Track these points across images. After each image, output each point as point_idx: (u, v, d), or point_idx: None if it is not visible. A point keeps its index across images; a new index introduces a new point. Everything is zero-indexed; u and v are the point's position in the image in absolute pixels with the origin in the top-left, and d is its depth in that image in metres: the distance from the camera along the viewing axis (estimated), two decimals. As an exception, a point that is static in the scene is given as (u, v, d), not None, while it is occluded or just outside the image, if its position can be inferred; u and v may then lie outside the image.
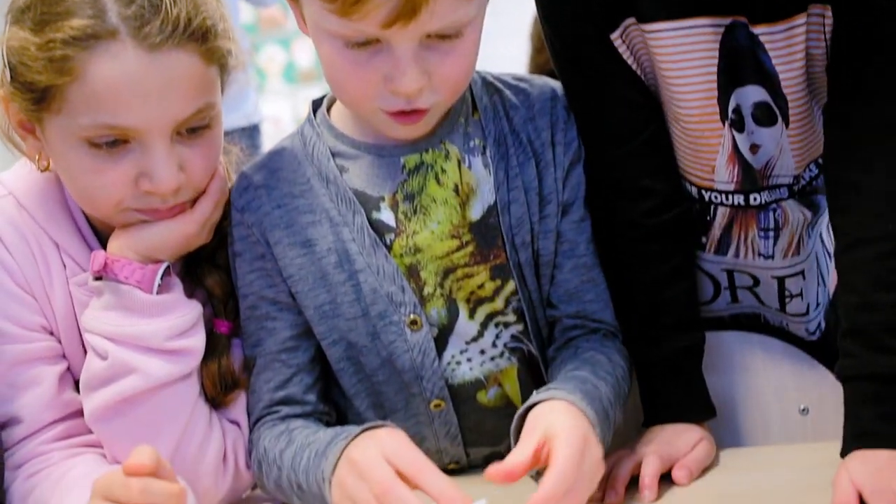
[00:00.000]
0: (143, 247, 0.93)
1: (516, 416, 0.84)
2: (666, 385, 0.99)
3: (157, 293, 0.92)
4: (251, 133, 2.37)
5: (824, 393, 1.07)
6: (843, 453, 0.82)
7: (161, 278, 0.93)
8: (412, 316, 0.96)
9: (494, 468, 0.76)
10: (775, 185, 0.99)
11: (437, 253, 0.97)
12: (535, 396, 0.83)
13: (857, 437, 0.82)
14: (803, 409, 1.08)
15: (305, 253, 0.97)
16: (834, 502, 0.76)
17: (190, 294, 0.97)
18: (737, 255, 1.04)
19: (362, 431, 0.82)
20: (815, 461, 0.92)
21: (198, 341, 0.94)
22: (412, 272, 0.97)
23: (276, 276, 0.98)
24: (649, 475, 0.89)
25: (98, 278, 0.93)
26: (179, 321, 0.92)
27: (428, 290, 0.97)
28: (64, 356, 0.97)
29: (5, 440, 0.92)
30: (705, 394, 1.00)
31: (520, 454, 0.78)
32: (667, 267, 1.01)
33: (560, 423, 0.80)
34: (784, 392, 1.08)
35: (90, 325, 0.92)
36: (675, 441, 0.94)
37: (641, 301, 1.01)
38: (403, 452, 0.76)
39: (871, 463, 0.78)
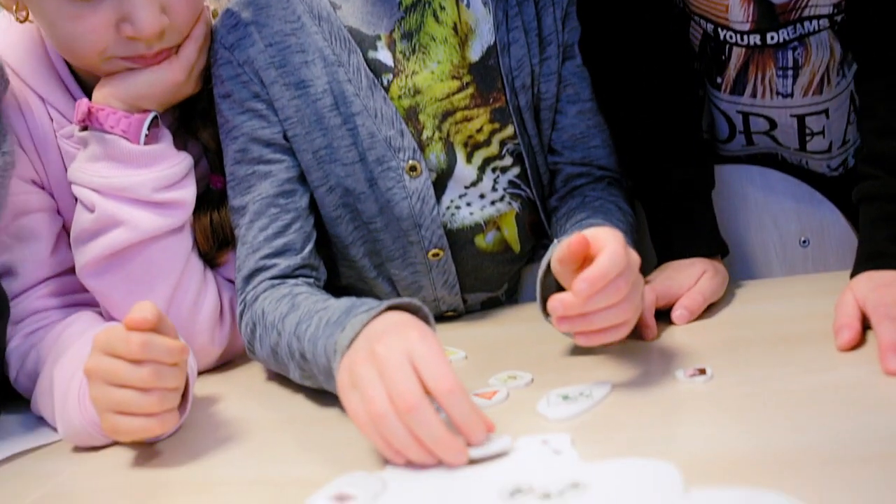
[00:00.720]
0: (128, 94, 0.90)
1: (541, 269, 0.81)
2: (671, 220, 0.99)
3: (145, 144, 0.90)
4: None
5: (825, 224, 1.07)
6: (853, 275, 0.82)
7: (149, 129, 0.90)
8: (411, 162, 0.94)
9: (557, 297, 0.71)
10: (812, 15, 0.95)
11: (437, 94, 0.94)
12: (556, 243, 0.80)
13: (868, 258, 0.82)
14: (804, 241, 1.08)
15: (300, 95, 0.94)
16: (835, 323, 0.76)
17: (184, 149, 0.95)
18: (753, 94, 1.02)
19: (387, 308, 0.72)
20: (815, 290, 0.93)
21: (187, 194, 0.93)
22: (410, 115, 0.94)
23: (271, 117, 0.94)
24: (644, 311, 0.85)
25: (84, 129, 0.91)
26: (168, 172, 0.91)
27: (427, 133, 0.95)
28: (59, 213, 0.97)
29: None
30: (713, 229, 0.99)
31: (563, 247, 0.74)
32: (670, 102, 0.99)
33: (600, 228, 0.76)
34: (784, 224, 1.08)
35: (77, 177, 0.91)
36: (677, 276, 0.93)
37: (645, 136, 1.00)
38: (434, 363, 0.65)
39: (877, 279, 0.78)
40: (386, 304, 0.73)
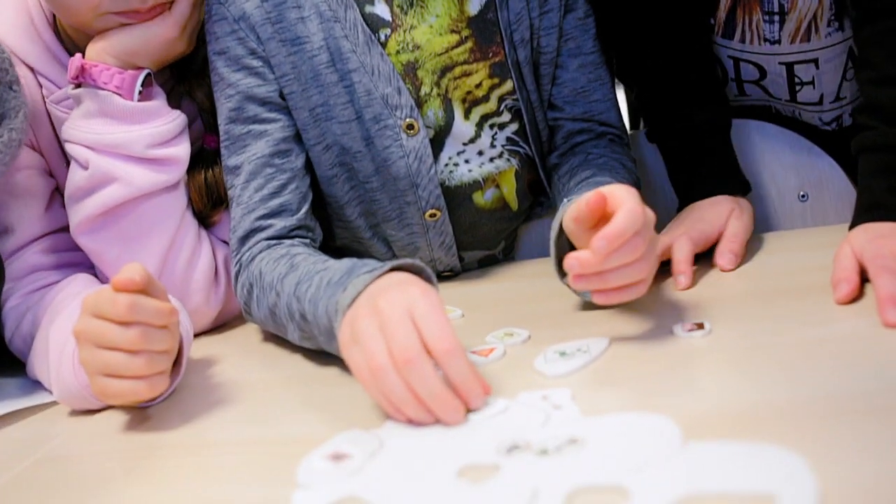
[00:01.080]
0: (121, 50, 0.89)
1: (554, 229, 0.80)
2: (694, 160, 0.98)
3: (139, 101, 0.89)
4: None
5: (824, 178, 1.06)
6: (851, 227, 0.81)
7: (142, 86, 0.90)
8: (408, 120, 0.92)
9: (574, 255, 0.70)
10: None
11: (435, 49, 0.92)
12: (566, 202, 0.79)
13: (866, 209, 0.81)
14: (802, 196, 1.07)
15: (296, 51, 0.92)
16: (833, 277, 0.76)
17: (179, 109, 0.94)
18: (742, 40, 1.00)
19: (391, 270, 0.72)
20: (814, 244, 0.92)
21: (181, 151, 0.92)
22: (409, 71, 0.92)
23: (267, 74, 0.93)
24: (681, 260, 0.86)
25: (77, 86, 0.90)
26: (162, 129, 0.90)
27: (425, 90, 0.93)
28: (52, 175, 0.96)
29: None
30: (736, 166, 0.98)
31: (580, 205, 0.73)
32: (685, 45, 0.99)
33: (615, 185, 0.75)
34: (782, 178, 1.07)
35: (70, 134, 0.90)
36: (706, 217, 0.92)
37: (664, 78, 0.99)
38: (434, 322, 0.64)
39: (875, 231, 0.77)
40: (389, 264, 0.72)
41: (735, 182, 0.97)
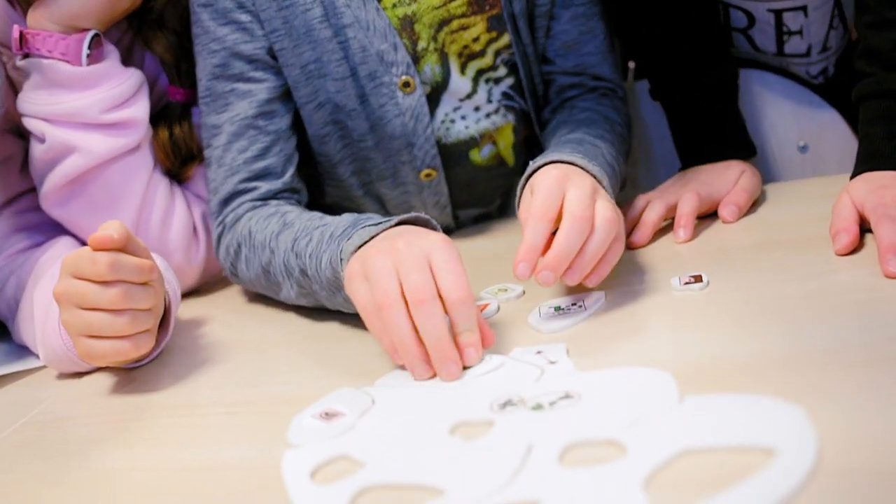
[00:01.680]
0: (61, 15, 0.85)
1: (519, 189, 0.77)
2: (701, 122, 0.95)
3: (89, 64, 0.86)
4: None
5: (824, 129, 1.04)
6: (852, 177, 0.79)
7: (90, 48, 0.86)
8: (404, 77, 0.90)
9: (522, 269, 0.67)
10: None
11: (433, 2, 0.90)
12: (532, 165, 0.77)
13: (866, 158, 0.78)
14: (802, 147, 1.05)
15: (288, 6, 0.89)
16: (832, 227, 0.74)
17: (141, 64, 0.91)
18: None
19: (399, 223, 0.71)
20: (813, 195, 0.90)
21: (138, 111, 0.89)
22: (405, 26, 0.90)
23: (256, 31, 0.90)
24: (686, 214, 0.85)
25: (26, 56, 0.87)
26: (115, 91, 0.87)
27: (422, 45, 0.91)
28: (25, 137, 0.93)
29: None
30: (745, 130, 0.96)
31: (532, 238, 0.68)
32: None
33: (568, 192, 0.71)
34: (781, 129, 1.05)
35: (24, 108, 0.87)
36: (716, 180, 0.90)
37: (672, 38, 0.96)
38: (453, 270, 0.63)
39: (875, 181, 0.75)
40: (396, 218, 0.71)
41: (745, 146, 0.95)
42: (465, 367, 0.64)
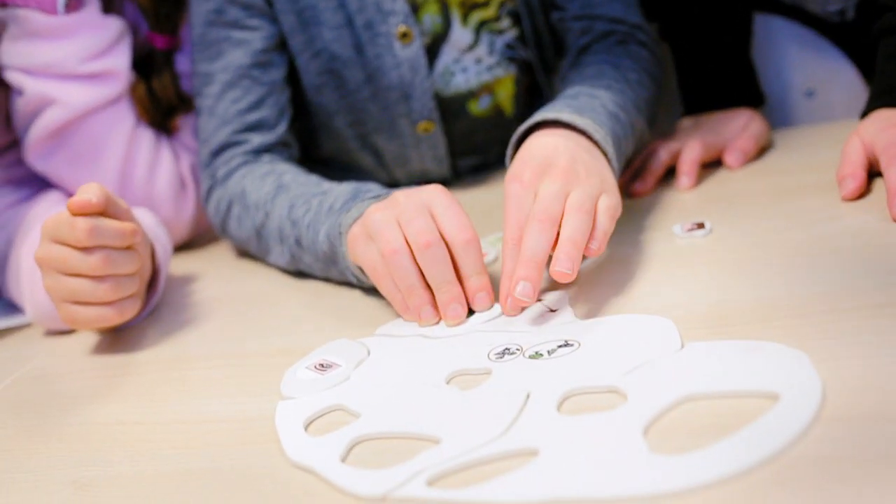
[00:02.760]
0: None
1: (510, 146, 0.73)
2: (713, 69, 0.93)
3: (67, 13, 0.83)
4: None
5: (832, 74, 1.01)
6: (863, 116, 0.75)
7: None
8: (402, 27, 0.87)
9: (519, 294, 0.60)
10: None
11: None
12: (519, 129, 0.72)
13: (880, 94, 0.75)
14: (808, 92, 1.03)
15: None
16: (839, 172, 0.71)
17: (121, 11, 0.88)
18: None
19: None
20: (819, 141, 0.89)
21: (118, 61, 0.87)
22: None
23: None
24: (689, 161, 0.83)
25: (3, 6, 0.84)
26: (93, 41, 0.85)
27: None
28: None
29: None
30: (755, 78, 0.94)
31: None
32: None
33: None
34: (787, 74, 1.03)
35: (2, 59, 0.85)
36: (723, 128, 0.88)
37: None
38: (454, 214, 0.63)
39: (889, 119, 0.71)
40: (394, 191, 0.69)
41: (755, 94, 0.92)
42: (472, 312, 0.63)
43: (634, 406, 0.47)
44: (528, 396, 0.50)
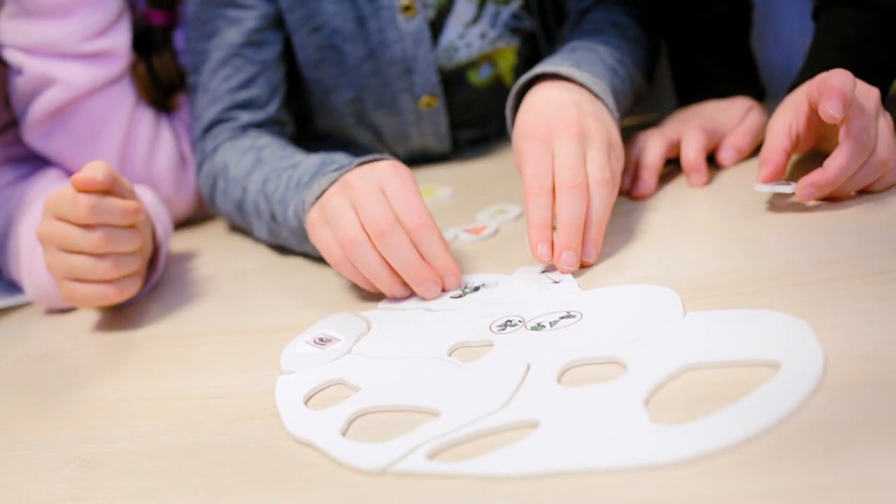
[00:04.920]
0: None
1: (508, 109, 0.73)
2: (712, 56, 0.88)
3: None
4: None
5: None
6: (791, 89, 0.71)
7: None
8: (405, 0, 0.86)
9: (543, 251, 0.62)
10: None
11: None
12: (519, 81, 0.72)
13: (810, 66, 0.71)
14: (809, 58, 1.01)
15: None
16: (762, 155, 0.67)
17: None
18: None
19: (359, 165, 0.67)
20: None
21: (118, 40, 0.86)
22: None
23: None
24: (694, 153, 0.76)
25: None
26: (93, 20, 0.83)
27: None
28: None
29: None
30: (754, 68, 0.89)
31: (538, 216, 0.63)
32: None
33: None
34: (787, 40, 1.01)
35: (1, 38, 0.84)
36: (721, 115, 0.82)
37: None
38: (406, 197, 0.62)
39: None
40: (358, 160, 0.67)
41: (755, 83, 0.88)
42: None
43: (635, 376, 0.47)
44: (528, 368, 0.50)
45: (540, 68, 0.71)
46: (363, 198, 0.62)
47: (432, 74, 0.90)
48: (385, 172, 0.63)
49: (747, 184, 0.71)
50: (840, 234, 0.59)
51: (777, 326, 0.48)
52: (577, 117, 0.65)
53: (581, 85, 0.69)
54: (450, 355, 0.54)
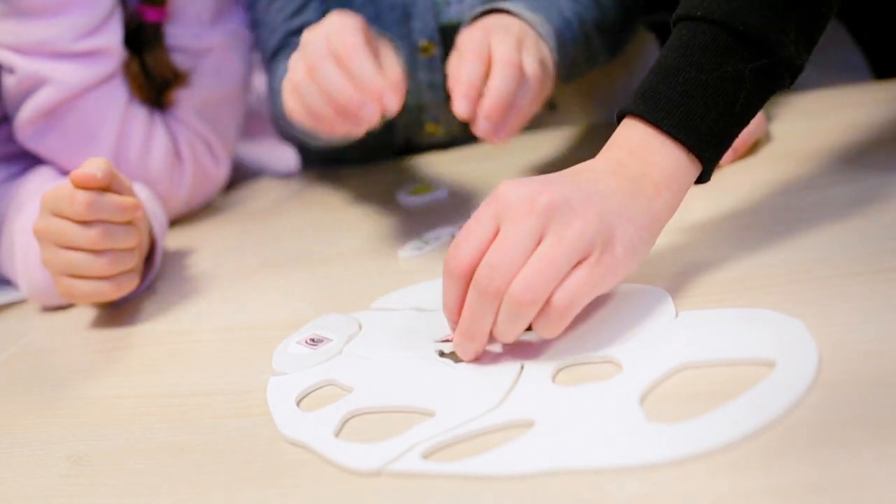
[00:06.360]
0: None
1: (463, 27, 0.75)
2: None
3: None
4: None
5: (827, 40, 0.99)
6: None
7: None
8: None
9: (463, 106, 0.65)
10: None
11: None
12: (472, 14, 0.77)
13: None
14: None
15: None
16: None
17: None
18: None
19: None
20: (817, 108, 0.87)
21: (111, 39, 0.85)
22: None
23: None
24: None
25: None
26: (85, 18, 0.83)
27: None
28: None
29: None
30: None
31: (469, 75, 0.67)
32: None
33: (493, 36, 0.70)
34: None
35: None
36: None
37: None
38: (340, 31, 0.64)
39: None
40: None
41: None
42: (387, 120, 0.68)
43: (630, 375, 0.47)
44: (521, 368, 0.50)
45: (495, 4, 0.75)
46: (304, 47, 0.65)
47: (430, 20, 0.92)
48: (330, 19, 0.66)
49: (740, 183, 0.71)
50: (834, 232, 0.59)
51: (772, 325, 0.48)
52: (519, 32, 0.70)
53: (529, 24, 0.73)
54: (441, 357, 0.54)
